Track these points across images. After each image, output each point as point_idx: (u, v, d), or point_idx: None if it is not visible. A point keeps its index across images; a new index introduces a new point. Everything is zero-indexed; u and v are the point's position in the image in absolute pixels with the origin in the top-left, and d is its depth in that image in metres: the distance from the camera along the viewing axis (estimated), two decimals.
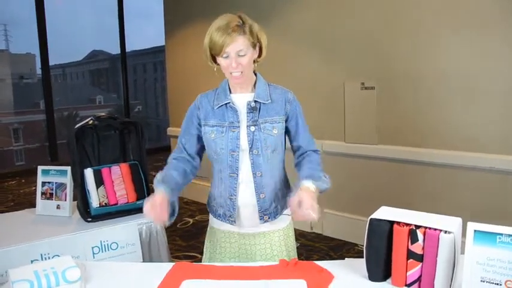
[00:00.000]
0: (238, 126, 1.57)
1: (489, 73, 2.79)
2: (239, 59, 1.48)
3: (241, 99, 1.59)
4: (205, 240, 1.80)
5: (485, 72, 2.80)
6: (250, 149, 1.57)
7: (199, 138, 1.66)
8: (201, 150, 1.69)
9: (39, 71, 6.78)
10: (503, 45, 2.72)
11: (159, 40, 6.15)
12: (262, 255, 1.67)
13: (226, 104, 1.58)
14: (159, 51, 8.58)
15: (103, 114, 2.29)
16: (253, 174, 1.59)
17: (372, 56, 3.36)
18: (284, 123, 1.61)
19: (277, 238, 1.68)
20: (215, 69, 1.57)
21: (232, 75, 1.53)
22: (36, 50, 6.56)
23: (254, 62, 1.58)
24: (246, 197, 1.62)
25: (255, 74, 1.63)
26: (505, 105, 2.76)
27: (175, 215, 1.55)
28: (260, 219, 1.63)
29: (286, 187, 1.70)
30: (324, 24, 3.63)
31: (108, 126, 2.33)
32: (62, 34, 8.91)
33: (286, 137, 1.67)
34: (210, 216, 1.76)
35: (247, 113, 1.57)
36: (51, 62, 6.66)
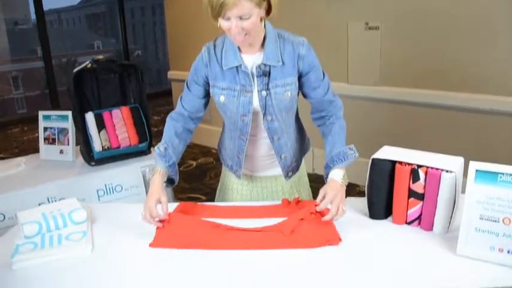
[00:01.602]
0: (251, 91, 1.44)
1: (495, 14, 2.69)
2: (242, 23, 1.28)
3: (250, 60, 1.43)
4: (219, 182, 1.81)
5: (491, 12, 2.70)
6: (264, 114, 1.47)
7: (204, 97, 1.54)
8: (205, 106, 1.57)
9: (34, 17, 6.59)
10: None
11: None
12: (273, 197, 1.68)
13: (237, 66, 1.43)
14: None
15: (101, 57, 2.24)
16: (270, 138, 1.53)
17: None
18: (297, 82, 1.46)
19: (289, 180, 1.68)
20: (219, 25, 1.34)
21: (235, 39, 1.35)
22: None
23: (262, 19, 1.38)
24: (263, 151, 1.61)
25: (265, 26, 1.43)
26: (507, 47, 2.69)
27: (175, 184, 1.53)
28: (285, 176, 1.64)
29: (302, 136, 1.68)
30: None
31: (107, 70, 2.30)
32: None
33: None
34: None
35: (257, 76, 1.43)
36: (46, 7, 6.46)
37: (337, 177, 1.40)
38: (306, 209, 1.39)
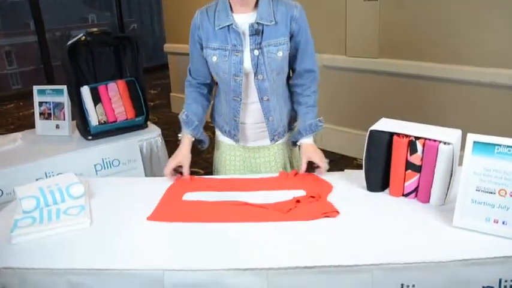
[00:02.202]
0: (242, 50, 1.47)
1: None
2: None
3: (243, 19, 1.46)
4: (214, 153, 1.83)
5: None
6: (255, 73, 1.49)
7: (207, 62, 1.58)
8: (210, 72, 1.63)
9: None
10: None
11: None
12: (266, 168, 1.70)
13: (228, 25, 1.46)
14: None
15: (95, 29, 2.20)
16: (260, 99, 1.55)
17: None
18: (289, 43, 1.49)
19: (281, 151, 1.70)
20: None
21: None
22: None
23: None
24: (253, 118, 1.62)
25: None
26: (508, 19, 2.65)
27: (207, 143, 1.69)
28: (271, 140, 1.66)
29: (292, 103, 1.68)
30: None
31: (102, 43, 2.26)
32: None
33: None
34: (216, 129, 1.77)
35: (250, 35, 1.45)
36: None
37: (311, 141, 1.58)
38: (305, 196, 1.39)
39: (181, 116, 1.61)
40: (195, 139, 1.63)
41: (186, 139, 1.60)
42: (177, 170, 1.60)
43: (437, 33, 2.97)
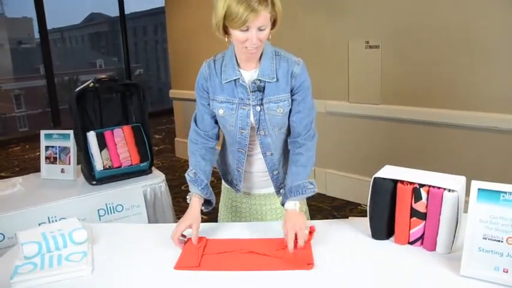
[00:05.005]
0: (249, 104, 1.46)
1: (496, 31, 2.72)
2: (259, 34, 1.31)
3: (247, 75, 1.47)
4: (220, 201, 1.80)
5: (492, 30, 2.73)
6: (257, 129, 1.49)
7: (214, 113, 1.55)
8: (217, 122, 1.58)
9: (37, 36, 6.67)
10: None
11: (158, 1, 5.99)
12: (272, 215, 1.68)
13: (235, 80, 1.45)
14: (159, 12, 8.39)
15: (103, 76, 2.26)
16: (263, 153, 1.55)
17: (376, 14, 3.27)
18: (290, 99, 1.47)
19: None
20: (226, 39, 1.39)
21: (247, 50, 1.36)
22: (32, 14, 6.44)
23: None
24: (259, 167, 1.61)
25: None
26: (508, 64, 2.70)
27: (213, 204, 1.57)
28: (277, 193, 1.65)
29: None
30: None
31: (109, 89, 2.31)
32: None
33: None
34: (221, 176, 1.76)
35: (252, 91, 1.45)
36: (49, 26, 6.54)
37: (291, 207, 1.43)
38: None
39: (189, 174, 1.52)
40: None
41: (195, 200, 1.49)
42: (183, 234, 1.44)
43: (438, 79, 3.02)
